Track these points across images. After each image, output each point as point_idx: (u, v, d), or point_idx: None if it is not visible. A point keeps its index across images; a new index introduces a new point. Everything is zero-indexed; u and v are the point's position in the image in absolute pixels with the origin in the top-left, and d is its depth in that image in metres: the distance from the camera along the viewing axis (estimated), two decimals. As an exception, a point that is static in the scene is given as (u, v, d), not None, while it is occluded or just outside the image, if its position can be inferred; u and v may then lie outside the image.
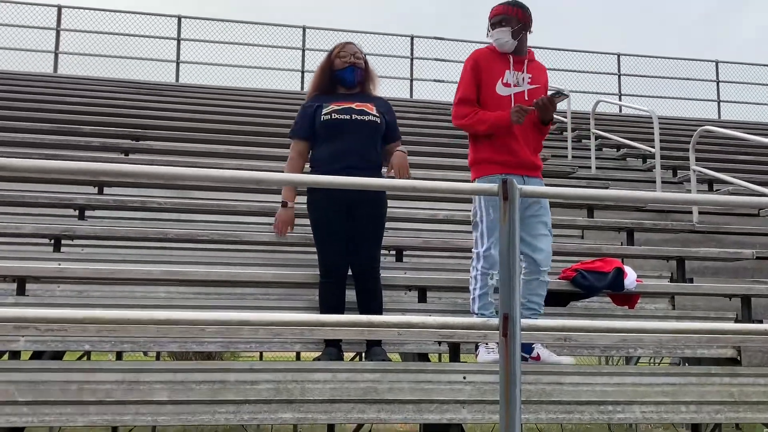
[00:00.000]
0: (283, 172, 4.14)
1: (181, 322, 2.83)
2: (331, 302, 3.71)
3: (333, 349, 3.65)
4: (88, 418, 3.12)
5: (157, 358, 7.09)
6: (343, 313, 3.72)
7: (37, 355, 3.81)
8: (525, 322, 2.74)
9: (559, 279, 4.33)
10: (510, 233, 2.66)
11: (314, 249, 3.90)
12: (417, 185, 2.66)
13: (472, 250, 3.76)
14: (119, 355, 5.74)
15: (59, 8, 12.30)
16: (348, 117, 3.84)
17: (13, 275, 3.78)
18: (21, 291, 3.77)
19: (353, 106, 3.87)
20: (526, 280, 3.71)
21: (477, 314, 3.64)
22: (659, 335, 3.73)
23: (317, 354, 3.71)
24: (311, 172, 3.90)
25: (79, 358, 5.87)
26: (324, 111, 3.85)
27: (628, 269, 4.30)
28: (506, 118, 3.64)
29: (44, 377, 3.11)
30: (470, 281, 3.75)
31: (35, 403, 3.07)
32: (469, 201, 5.90)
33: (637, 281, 4.31)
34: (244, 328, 3.53)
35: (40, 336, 3.56)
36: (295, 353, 6.87)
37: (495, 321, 2.73)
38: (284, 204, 3.99)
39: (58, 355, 3.88)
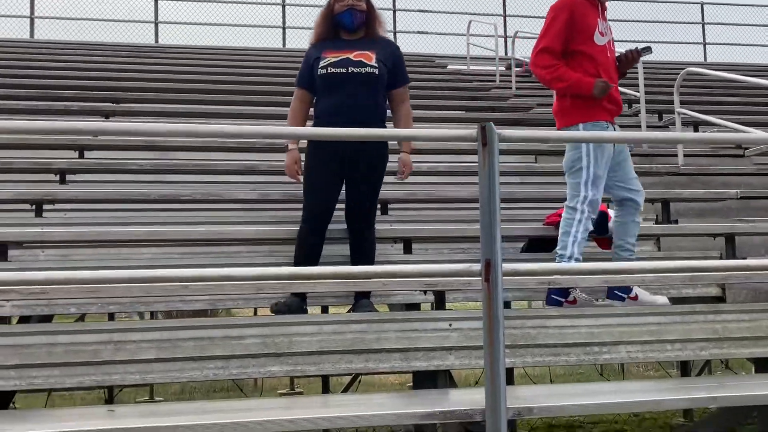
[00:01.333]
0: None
1: (163, 280, 2.84)
2: (306, 250, 3.68)
3: (296, 299, 3.63)
4: (77, 379, 3.12)
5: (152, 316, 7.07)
6: (317, 264, 3.70)
7: (24, 320, 3.81)
8: (507, 266, 2.75)
9: (544, 225, 4.33)
10: (490, 178, 2.66)
11: (298, 205, 3.89)
12: (401, 134, 2.63)
13: (571, 196, 3.74)
14: (111, 317, 5.73)
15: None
16: (344, 70, 3.75)
17: (-6, 241, 3.75)
18: (3, 257, 3.75)
19: (351, 56, 3.77)
20: (621, 222, 3.84)
21: (575, 259, 3.64)
22: (643, 276, 3.75)
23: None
24: (314, 125, 3.86)
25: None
26: (321, 64, 3.77)
27: (611, 212, 4.30)
28: (588, 88, 3.62)
29: (29, 340, 3.10)
30: (566, 226, 3.73)
31: (22, 367, 3.07)
32: (451, 152, 5.91)
33: (622, 224, 4.30)
34: (228, 285, 3.54)
35: (25, 301, 3.56)
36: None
37: (477, 267, 2.74)
38: (286, 147, 3.92)
39: (45, 320, 3.88)
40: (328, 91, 3.79)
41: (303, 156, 3.85)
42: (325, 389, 5.69)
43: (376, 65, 3.83)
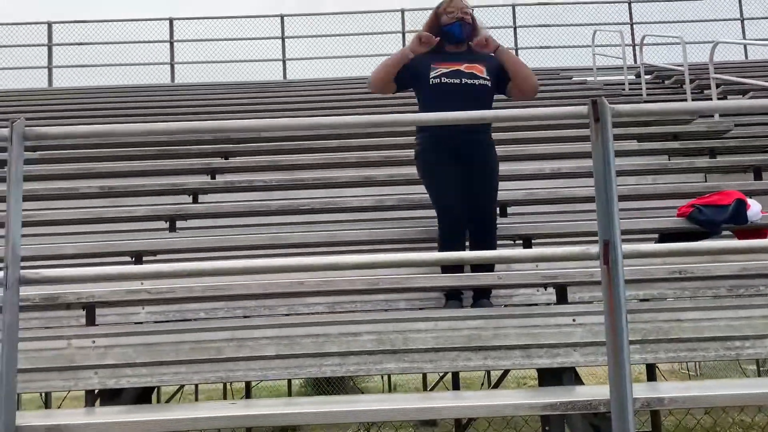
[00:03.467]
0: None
1: (289, 269, 2.88)
2: (448, 248, 3.64)
3: (455, 301, 3.61)
4: (202, 375, 3.24)
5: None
6: (462, 269, 3.66)
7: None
8: (628, 247, 2.58)
9: (675, 217, 4.06)
10: (604, 153, 2.52)
11: (407, 212, 3.89)
12: (501, 114, 2.56)
13: None
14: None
15: (171, 20, 12.96)
16: (458, 81, 3.75)
17: (132, 251, 3.99)
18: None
19: (462, 68, 3.77)
20: None
21: None
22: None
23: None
24: (420, 138, 3.86)
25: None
26: (432, 74, 3.77)
27: (751, 201, 3.97)
28: None
29: (158, 339, 3.26)
30: None
31: (152, 364, 3.22)
32: (573, 156, 5.71)
33: (763, 213, 3.97)
34: (343, 281, 3.57)
35: (158, 306, 3.76)
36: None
37: (595, 249, 2.59)
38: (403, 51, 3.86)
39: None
40: (438, 101, 3.75)
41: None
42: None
43: (488, 78, 3.81)
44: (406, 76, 3.83)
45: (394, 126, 4.72)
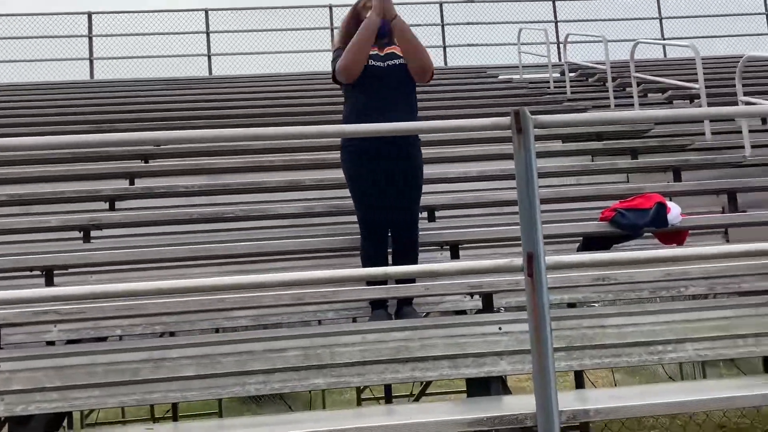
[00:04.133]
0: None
1: (210, 288, 2.76)
2: (373, 262, 3.58)
3: (381, 311, 3.55)
4: (118, 399, 3.08)
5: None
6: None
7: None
8: (550, 259, 2.57)
9: (598, 221, 4.11)
10: (527, 164, 2.50)
11: (338, 219, 3.80)
12: (432, 126, 2.50)
13: None
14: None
15: (89, 15, 12.46)
16: (382, 64, 3.69)
17: (41, 266, 3.77)
18: (50, 282, 3.77)
19: (380, 53, 3.71)
20: None
21: None
22: (709, 266, 3.49)
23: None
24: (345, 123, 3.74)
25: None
26: None
27: (671, 204, 4.05)
28: None
29: (70, 361, 3.08)
30: None
31: (64, 389, 3.04)
32: (501, 157, 5.73)
33: (682, 216, 4.05)
34: (270, 297, 3.46)
35: (72, 324, 3.56)
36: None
37: (519, 261, 2.57)
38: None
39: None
40: (364, 86, 3.68)
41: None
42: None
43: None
44: None
45: (319, 137, 4.60)
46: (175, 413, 6.06)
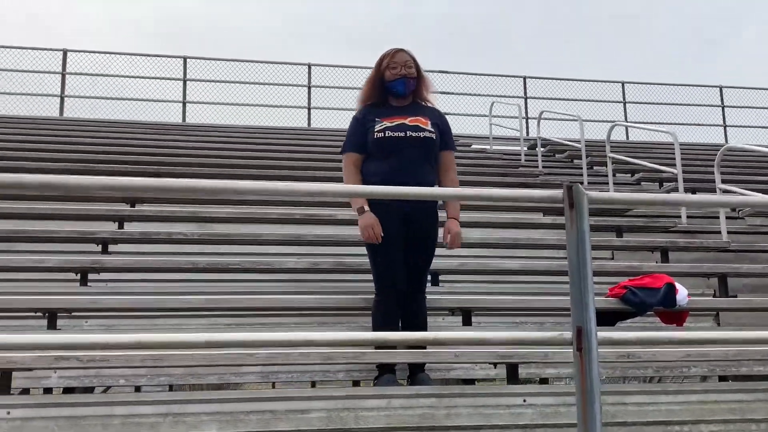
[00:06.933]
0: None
1: (228, 344, 2.67)
2: (389, 320, 3.53)
3: (390, 375, 3.47)
4: (133, 454, 2.93)
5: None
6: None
7: (68, 392, 3.63)
8: (601, 334, 2.59)
9: (606, 297, 4.17)
10: (579, 240, 2.53)
11: (348, 276, 3.75)
12: (482, 193, 2.52)
13: None
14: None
15: (65, 52, 12.29)
16: (402, 134, 3.69)
17: (45, 308, 3.61)
18: (52, 324, 3.60)
19: (406, 121, 3.71)
20: None
21: None
22: (709, 349, 3.56)
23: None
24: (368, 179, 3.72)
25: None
26: (377, 128, 3.70)
27: (678, 285, 4.15)
28: None
29: (83, 411, 2.93)
30: None
31: (77, 440, 2.88)
32: (505, 225, 5.81)
33: (688, 297, 4.15)
34: (281, 355, 3.37)
35: (73, 371, 3.40)
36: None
37: (568, 335, 2.58)
38: (361, 210, 3.62)
39: (88, 391, 3.70)
40: (384, 154, 3.70)
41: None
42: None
43: (432, 130, 3.79)
44: (362, 139, 3.76)
45: (343, 196, 4.57)
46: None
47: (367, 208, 3.61)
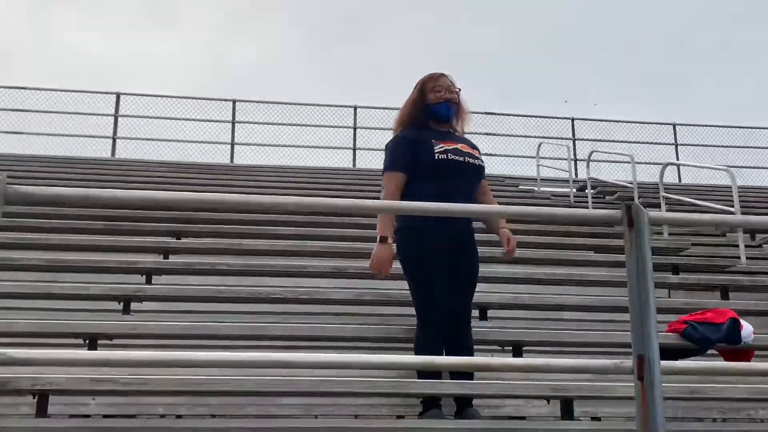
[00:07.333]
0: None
1: (268, 365, 2.57)
2: (434, 351, 3.38)
3: (437, 410, 3.31)
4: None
5: None
6: (441, 375, 3.40)
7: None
8: (664, 364, 2.41)
9: (666, 332, 3.95)
10: (639, 263, 2.38)
11: (387, 309, 3.63)
12: (541, 212, 2.40)
13: None
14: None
15: (118, 95, 12.64)
16: (461, 159, 3.60)
17: (85, 332, 3.56)
18: (93, 350, 3.55)
19: (459, 147, 3.64)
20: None
21: None
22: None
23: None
24: (404, 217, 3.60)
25: None
26: (437, 149, 3.58)
27: (743, 321, 3.91)
28: None
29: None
30: None
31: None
32: (552, 262, 5.63)
33: (753, 334, 3.90)
34: (323, 383, 3.24)
35: (110, 398, 3.32)
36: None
37: (628, 363, 2.41)
38: (383, 239, 3.48)
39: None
40: (437, 178, 3.58)
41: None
42: None
43: (483, 160, 3.75)
44: (412, 159, 3.63)
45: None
46: None
47: (390, 240, 3.49)
